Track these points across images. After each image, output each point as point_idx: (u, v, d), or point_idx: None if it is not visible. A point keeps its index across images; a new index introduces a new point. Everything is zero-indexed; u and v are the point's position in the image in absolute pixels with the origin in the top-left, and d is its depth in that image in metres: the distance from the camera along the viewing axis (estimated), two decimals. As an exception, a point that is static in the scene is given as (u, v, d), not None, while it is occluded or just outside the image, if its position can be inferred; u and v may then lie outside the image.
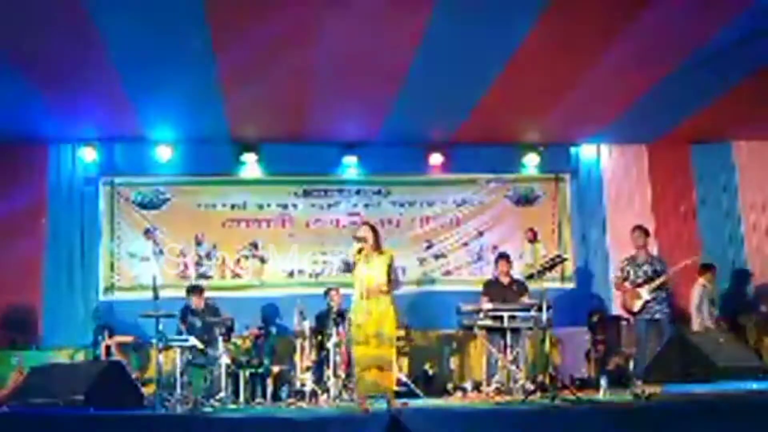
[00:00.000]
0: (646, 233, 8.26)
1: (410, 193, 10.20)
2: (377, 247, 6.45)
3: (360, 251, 6.38)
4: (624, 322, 8.92)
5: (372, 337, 6.18)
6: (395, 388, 7.99)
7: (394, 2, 6.68)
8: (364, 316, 6.23)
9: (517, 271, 9.19)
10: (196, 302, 8.64)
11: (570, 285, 10.04)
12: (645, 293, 7.85)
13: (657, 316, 7.84)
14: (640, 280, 7.94)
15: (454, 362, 9.44)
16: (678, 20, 7.05)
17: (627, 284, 8.04)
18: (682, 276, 8.11)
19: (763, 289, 9.85)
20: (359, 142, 9.84)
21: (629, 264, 8.12)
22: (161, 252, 9.67)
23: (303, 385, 7.91)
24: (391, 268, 6.42)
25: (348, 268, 6.61)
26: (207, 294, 8.87)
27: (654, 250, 9.57)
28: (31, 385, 6.37)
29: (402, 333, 8.58)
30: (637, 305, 7.88)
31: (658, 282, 7.88)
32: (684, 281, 8.93)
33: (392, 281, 6.44)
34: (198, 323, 8.44)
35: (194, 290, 8.75)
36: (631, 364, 8.26)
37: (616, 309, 9.33)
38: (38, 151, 9.50)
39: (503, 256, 8.90)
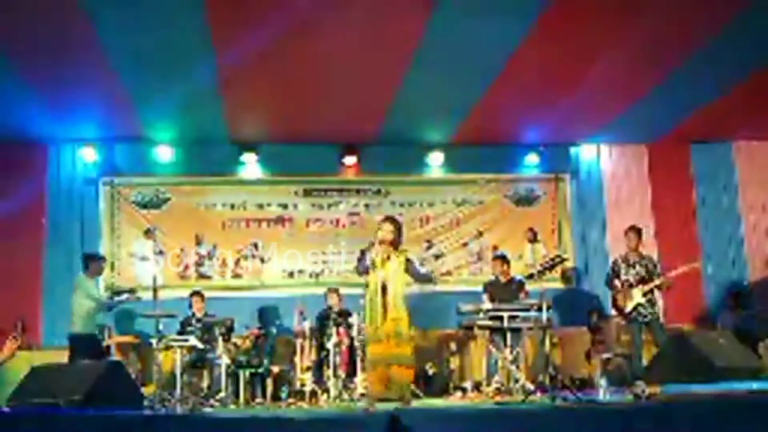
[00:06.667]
0: (639, 234, 8.25)
1: (410, 193, 10.21)
2: (397, 245, 6.31)
3: (381, 250, 6.24)
4: (623, 322, 8.92)
5: (392, 336, 6.08)
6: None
7: (394, 2, 6.68)
8: (381, 316, 6.11)
9: (517, 271, 9.20)
10: (198, 307, 8.66)
11: (570, 285, 10.05)
12: (638, 294, 7.86)
13: (648, 317, 7.85)
14: (632, 281, 7.95)
15: (454, 362, 9.43)
16: (678, 20, 7.05)
17: (617, 282, 8.05)
18: (679, 280, 8.07)
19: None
20: (359, 142, 9.84)
21: (621, 263, 8.13)
22: (161, 252, 9.67)
23: (303, 385, 7.91)
24: (411, 266, 6.31)
25: (365, 270, 6.29)
26: (207, 294, 8.90)
27: (654, 250, 9.59)
28: (31, 385, 6.37)
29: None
30: (629, 306, 7.88)
31: (652, 284, 7.88)
32: (681, 284, 8.89)
33: (419, 277, 6.40)
34: (197, 327, 8.46)
35: (196, 295, 8.78)
36: (632, 364, 8.26)
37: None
38: (38, 151, 9.51)
39: (497, 257, 9.00)
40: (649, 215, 10.17)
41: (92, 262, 7.96)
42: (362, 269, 6.28)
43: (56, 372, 6.62)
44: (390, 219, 6.47)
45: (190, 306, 8.74)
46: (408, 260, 6.29)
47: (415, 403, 6.95)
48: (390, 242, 6.22)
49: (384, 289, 6.11)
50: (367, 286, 6.27)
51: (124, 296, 7.82)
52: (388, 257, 6.20)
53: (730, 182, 10.34)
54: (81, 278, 7.89)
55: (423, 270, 6.76)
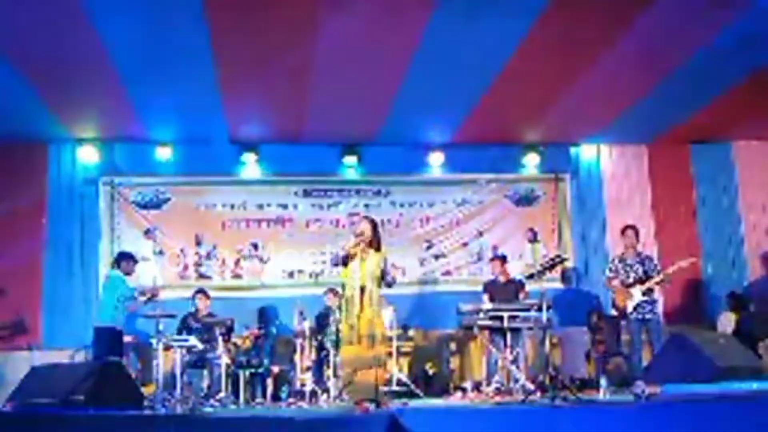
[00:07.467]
0: (637, 233, 8.27)
1: (410, 193, 10.21)
2: (376, 243, 6.31)
3: (357, 245, 6.24)
4: (624, 322, 8.92)
5: (364, 337, 6.06)
6: (395, 387, 8.02)
7: (394, 2, 6.68)
8: (355, 316, 6.10)
9: (518, 271, 9.21)
10: (202, 306, 8.67)
11: (570, 285, 10.05)
12: (638, 294, 7.86)
13: (648, 316, 7.87)
14: (631, 280, 7.95)
15: (454, 362, 9.44)
16: (678, 20, 7.05)
17: (615, 282, 8.04)
18: (678, 276, 8.09)
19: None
20: (359, 142, 9.84)
21: (620, 263, 8.14)
22: (161, 252, 9.68)
23: (303, 385, 7.90)
24: (385, 266, 6.33)
25: (340, 262, 6.39)
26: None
27: (654, 250, 9.59)
28: (31, 385, 6.36)
29: (397, 332, 8.61)
30: (630, 305, 7.89)
31: (652, 282, 7.89)
32: (681, 285, 8.91)
33: (386, 280, 6.37)
34: (198, 326, 8.46)
35: (201, 293, 8.80)
36: (631, 364, 8.26)
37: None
38: (38, 151, 9.51)
39: (497, 257, 9.08)
40: (649, 215, 10.17)
41: (124, 261, 8.08)
42: (334, 261, 6.41)
43: (56, 372, 6.62)
44: (366, 217, 6.57)
45: (194, 304, 8.73)
46: (385, 260, 6.33)
47: (416, 403, 6.95)
48: (369, 241, 6.23)
49: (362, 288, 6.11)
50: (344, 285, 6.31)
51: (148, 295, 7.85)
52: (366, 257, 6.19)
53: (730, 182, 10.33)
54: (111, 275, 8.03)
55: (389, 275, 6.75)
